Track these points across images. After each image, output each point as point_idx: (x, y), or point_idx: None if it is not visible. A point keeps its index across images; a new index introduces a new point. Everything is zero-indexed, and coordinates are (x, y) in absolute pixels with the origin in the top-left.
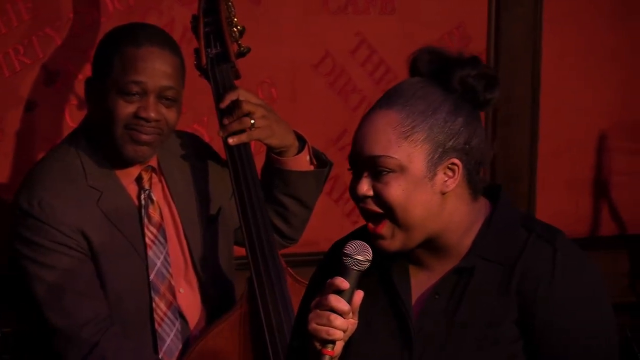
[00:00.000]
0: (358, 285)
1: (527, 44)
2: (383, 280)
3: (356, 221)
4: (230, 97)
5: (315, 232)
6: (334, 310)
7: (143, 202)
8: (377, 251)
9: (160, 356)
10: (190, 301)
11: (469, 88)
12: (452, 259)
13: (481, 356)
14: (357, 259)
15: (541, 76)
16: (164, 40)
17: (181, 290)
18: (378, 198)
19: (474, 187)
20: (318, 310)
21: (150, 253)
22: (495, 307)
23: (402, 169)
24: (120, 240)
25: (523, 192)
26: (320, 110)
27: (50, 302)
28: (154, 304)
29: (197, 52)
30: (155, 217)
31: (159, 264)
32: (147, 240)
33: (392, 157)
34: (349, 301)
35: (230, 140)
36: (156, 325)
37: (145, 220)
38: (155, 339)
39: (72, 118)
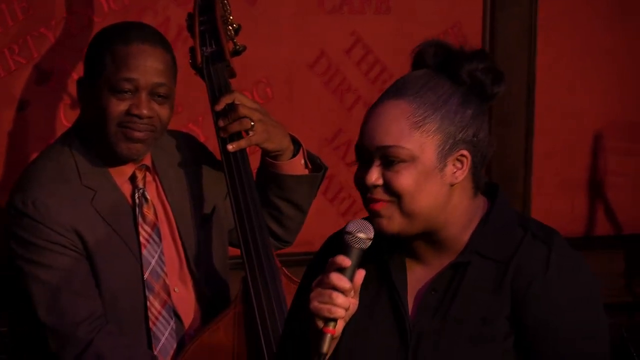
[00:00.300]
0: (359, 265)
1: (523, 44)
2: (381, 273)
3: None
4: (225, 100)
5: (310, 232)
6: (335, 288)
7: (137, 201)
8: (376, 240)
9: (154, 355)
10: (185, 300)
11: (477, 81)
12: (450, 254)
13: (475, 352)
14: (358, 237)
15: (536, 76)
16: (154, 37)
17: (176, 289)
18: (388, 187)
19: (477, 181)
20: (320, 289)
21: (144, 252)
22: (489, 303)
23: (413, 159)
24: (115, 239)
25: (518, 192)
26: (315, 110)
27: (45, 301)
28: (148, 303)
29: (192, 50)
30: (150, 216)
31: (153, 262)
32: (141, 239)
33: (404, 147)
34: (351, 279)
35: (230, 147)
36: (151, 324)
37: (140, 219)
38: (149, 338)
39: (67, 117)
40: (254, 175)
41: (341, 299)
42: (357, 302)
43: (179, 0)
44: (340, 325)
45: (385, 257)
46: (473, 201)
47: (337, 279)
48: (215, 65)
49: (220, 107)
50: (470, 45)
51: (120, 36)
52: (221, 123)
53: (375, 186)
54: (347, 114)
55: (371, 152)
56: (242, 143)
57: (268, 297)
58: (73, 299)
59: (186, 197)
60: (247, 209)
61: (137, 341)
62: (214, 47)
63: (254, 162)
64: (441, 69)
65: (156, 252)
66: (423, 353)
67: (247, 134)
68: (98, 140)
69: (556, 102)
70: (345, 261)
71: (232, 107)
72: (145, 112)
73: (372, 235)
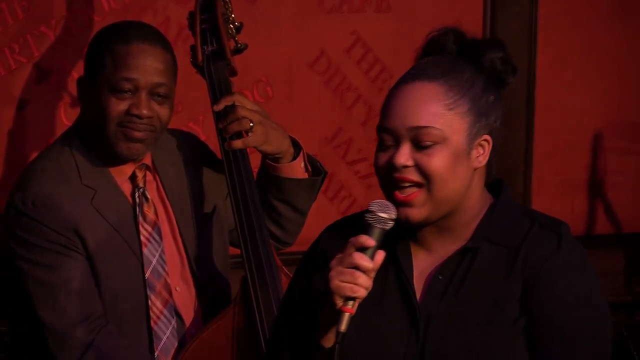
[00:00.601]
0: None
1: (523, 43)
2: (388, 258)
3: None
4: (225, 102)
5: (310, 231)
6: (358, 268)
7: (137, 200)
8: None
9: (156, 354)
10: (186, 299)
11: (496, 69)
12: (456, 241)
13: (485, 335)
14: (381, 217)
15: (536, 75)
16: (154, 37)
17: (177, 288)
18: (419, 168)
19: (490, 170)
20: (340, 267)
21: (145, 251)
22: (500, 287)
23: (445, 141)
24: (115, 238)
25: (518, 191)
26: (315, 109)
27: (44, 301)
28: (149, 302)
29: (193, 49)
30: (150, 215)
31: (154, 262)
32: (142, 238)
33: (437, 129)
34: (372, 259)
35: (227, 146)
36: (152, 324)
37: (140, 219)
38: (151, 337)
39: (67, 116)
40: (255, 175)
41: (363, 278)
42: (372, 283)
43: None
44: (356, 305)
45: (392, 243)
46: (484, 190)
47: (360, 258)
48: (216, 64)
49: (219, 107)
50: None
51: (120, 36)
52: (220, 124)
53: (406, 166)
54: (347, 113)
55: (400, 134)
56: (238, 143)
57: (268, 296)
58: (73, 299)
59: (187, 196)
60: (247, 208)
61: (137, 341)
62: (215, 45)
63: (255, 161)
64: (462, 55)
65: (157, 251)
66: (432, 337)
67: (247, 134)
68: (98, 140)
69: (556, 102)
70: (369, 241)
71: (231, 109)
72: (145, 112)
73: (394, 215)
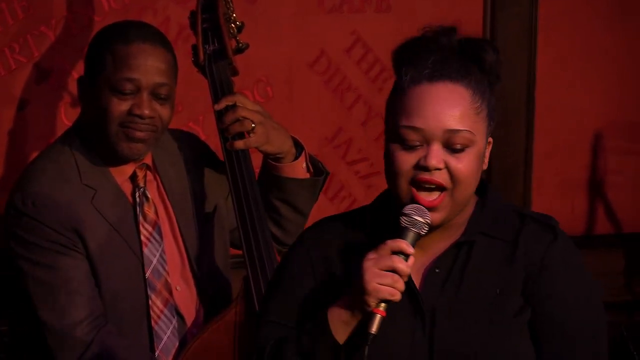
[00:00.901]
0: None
1: (523, 43)
2: None
3: None
4: (226, 101)
5: None
6: (395, 271)
7: (138, 199)
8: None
9: (157, 354)
10: (186, 299)
11: (495, 71)
12: (447, 238)
13: (491, 328)
14: (418, 220)
15: (536, 76)
16: (155, 37)
17: (178, 288)
18: (450, 171)
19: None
20: (378, 270)
21: (145, 251)
22: (503, 278)
23: (473, 144)
24: (116, 238)
25: (518, 192)
26: (315, 109)
27: (44, 300)
28: (150, 302)
29: (194, 48)
30: (150, 214)
31: (154, 261)
32: (142, 238)
33: (471, 132)
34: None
35: (228, 146)
36: (153, 323)
37: (140, 218)
38: (151, 337)
39: (67, 116)
40: (257, 175)
41: (401, 283)
42: None
43: None
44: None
45: (384, 241)
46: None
47: (399, 261)
48: (217, 63)
49: (220, 106)
50: None
51: (120, 36)
52: (221, 124)
53: (438, 169)
54: (347, 113)
55: (433, 135)
56: (239, 144)
57: None
58: (72, 298)
59: (187, 196)
60: (248, 206)
61: (137, 341)
62: (216, 45)
63: (257, 160)
64: (464, 54)
65: (157, 250)
66: (439, 328)
67: (249, 135)
68: (98, 140)
69: (556, 102)
70: (409, 248)
71: (233, 109)
72: (147, 112)
73: (430, 220)
